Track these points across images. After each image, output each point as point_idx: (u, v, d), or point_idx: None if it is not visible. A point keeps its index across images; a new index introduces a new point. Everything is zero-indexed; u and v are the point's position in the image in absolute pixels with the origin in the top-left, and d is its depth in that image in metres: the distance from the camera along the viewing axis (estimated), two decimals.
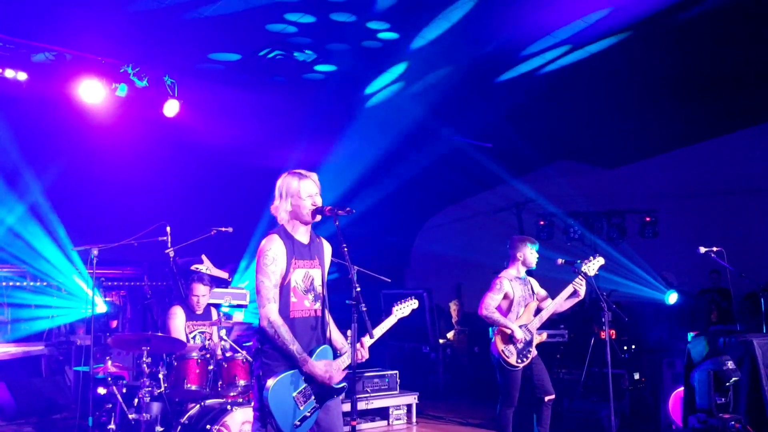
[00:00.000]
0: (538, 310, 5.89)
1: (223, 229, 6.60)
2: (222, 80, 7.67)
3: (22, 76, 6.58)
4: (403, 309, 4.18)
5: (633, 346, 8.50)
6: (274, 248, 3.69)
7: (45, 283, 8.90)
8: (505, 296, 5.79)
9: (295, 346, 3.61)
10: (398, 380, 8.01)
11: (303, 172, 3.83)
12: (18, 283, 8.77)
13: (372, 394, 7.72)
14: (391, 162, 10.01)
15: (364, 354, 3.80)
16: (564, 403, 7.89)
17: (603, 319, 5.62)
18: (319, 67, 7.50)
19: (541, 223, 9.81)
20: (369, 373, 7.82)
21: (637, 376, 8.09)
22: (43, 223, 8.64)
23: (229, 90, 7.84)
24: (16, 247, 8.60)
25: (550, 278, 6.30)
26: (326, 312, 3.88)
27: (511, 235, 6.45)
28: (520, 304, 5.82)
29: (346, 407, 6.48)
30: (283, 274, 3.71)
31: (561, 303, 5.80)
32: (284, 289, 3.72)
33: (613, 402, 5.53)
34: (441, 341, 10.73)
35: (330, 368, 3.69)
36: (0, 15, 6.18)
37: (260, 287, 3.66)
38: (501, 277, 5.86)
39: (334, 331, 3.96)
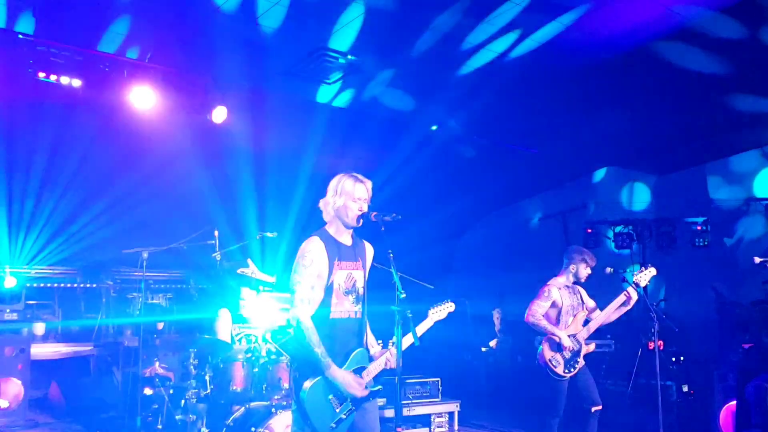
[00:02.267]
0: (587, 321, 5.81)
1: (269, 233, 6.69)
2: (269, 87, 7.75)
3: (76, 82, 6.77)
4: (440, 312, 4.17)
5: (682, 358, 8.30)
6: (313, 250, 3.72)
7: (95, 285, 9.12)
8: (554, 304, 5.75)
9: (319, 350, 3.62)
10: (440, 387, 7.95)
11: (360, 176, 3.89)
12: (69, 285, 9.02)
13: (414, 401, 7.68)
14: (436, 167, 9.98)
15: (392, 363, 3.80)
16: (610, 415, 7.74)
17: (652, 330, 5.52)
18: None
19: (588, 231, 9.65)
20: (411, 379, 7.80)
21: (685, 389, 7.91)
22: (94, 226, 8.87)
23: (275, 96, 7.92)
24: (72, 250, 8.85)
25: (595, 286, 6.20)
26: (366, 314, 3.89)
27: (548, 245, 6.39)
28: (568, 313, 5.76)
29: (390, 413, 6.51)
30: (323, 276, 3.73)
31: (611, 313, 5.71)
32: (327, 290, 3.75)
33: (662, 414, 5.41)
34: (483, 349, 10.64)
35: (354, 382, 3.69)
36: (55, 23, 6.38)
37: (295, 288, 3.69)
38: (549, 284, 5.82)
39: (369, 335, 3.98)
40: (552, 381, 5.63)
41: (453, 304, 4.23)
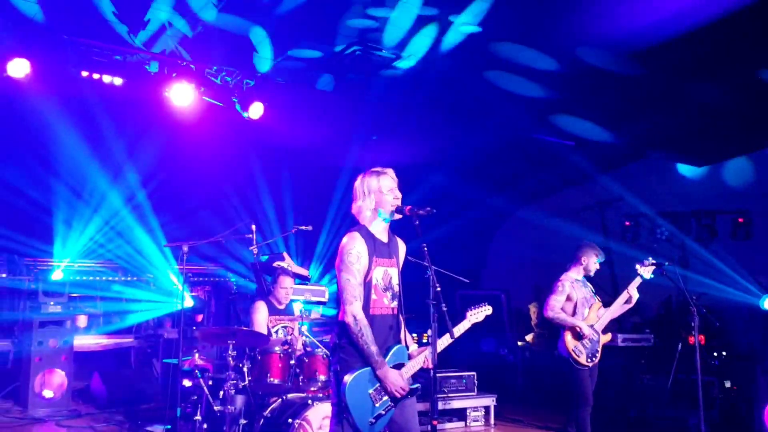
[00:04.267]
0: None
1: (303, 227, 6.75)
2: (303, 81, 7.79)
3: (117, 81, 6.90)
4: (477, 314, 4.21)
5: (723, 353, 8.16)
6: (357, 246, 3.75)
7: (135, 278, 9.32)
8: (568, 298, 5.95)
9: (374, 348, 3.65)
10: (476, 381, 7.94)
11: (379, 168, 3.90)
12: (111, 278, 9.22)
13: (449, 395, 7.67)
14: (470, 159, 9.91)
15: (429, 364, 3.79)
16: (650, 410, 7.67)
17: (692, 324, 5.53)
18: (399, 63, 7.44)
19: (627, 223, 9.51)
20: (446, 373, 7.79)
21: (728, 384, 7.77)
22: (137, 221, 9.06)
23: (310, 91, 7.96)
24: (114, 244, 9.05)
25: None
26: (402, 311, 3.91)
27: (587, 238, 6.46)
28: (583, 305, 5.96)
29: (425, 406, 6.52)
30: (363, 272, 3.76)
31: (616, 310, 5.92)
32: (366, 286, 3.77)
33: (703, 411, 5.35)
34: (520, 344, 10.58)
35: (403, 383, 3.71)
36: (96, 23, 6.50)
37: (346, 285, 3.71)
38: (562, 279, 6.03)
39: (405, 333, 3.99)
40: (576, 371, 5.80)
41: (491, 308, 4.25)
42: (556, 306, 5.88)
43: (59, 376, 7.60)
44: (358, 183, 3.90)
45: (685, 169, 10.45)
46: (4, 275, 8.51)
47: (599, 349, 5.87)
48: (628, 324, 8.91)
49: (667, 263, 5.81)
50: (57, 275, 8.12)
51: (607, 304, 6.05)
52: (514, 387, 10.06)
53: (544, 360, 10.45)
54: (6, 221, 8.51)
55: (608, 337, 6.04)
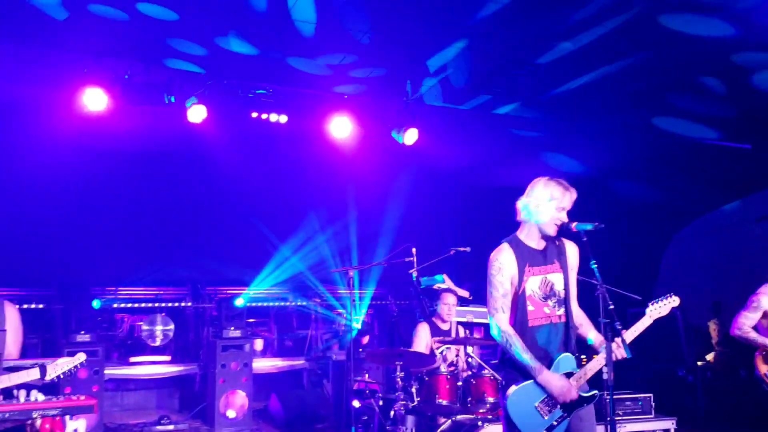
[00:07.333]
0: None
1: (462, 248, 6.75)
2: (455, 101, 7.84)
3: (283, 118, 7.36)
4: (661, 308, 3.79)
5: None
6: (501, 258, 3.71)
7: (304, 303, 9.79)
8: (765, 315, 5.33)
9: (527, 355, 3.56)
10: (653, 404, 7.49)
11: (567, 184, 3.73)
12: (283, 303, 9.76)
13: (624, 418, 7.29)
14: (639, 168, 9.45)
15: (622, 353, 3.53)
16: None
17: None
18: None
19: None
20: (620, 395, 7.42)
21: None
22: (306, 247, 9.56)
23: (462, 111, 8.00)
24: (283, 270, 9.60)
25: None
26: (572, 317, 3.75)
27: None
28: None
29: (600, 430, 6.25)
30: (514, 284, 3.69)
31: None
32: (520, 297, 3.69)
33: None
34: (699, 363, 9.88)
35: (567, 385, 3.57)
36: (263, 67, 6.98)
37: (488, 297, 3.71)
38: (759, 293, 5.40)
39: (591, 332, 3.80)
40: None
41: (677, 298, 3.82)
42: (746, 324, 5.31)
43: (241, 397, 8.05)
44: (540, 185, 3.71)
45: None
46: (189, 303, 9.29)
47: None
48: None
49: None
50: (237, 302, 8.72)
51: None
52: (695, 409, 9.39)
53: (728, 380, 9.66)
54: (188, 252, 9.24)
55: None
